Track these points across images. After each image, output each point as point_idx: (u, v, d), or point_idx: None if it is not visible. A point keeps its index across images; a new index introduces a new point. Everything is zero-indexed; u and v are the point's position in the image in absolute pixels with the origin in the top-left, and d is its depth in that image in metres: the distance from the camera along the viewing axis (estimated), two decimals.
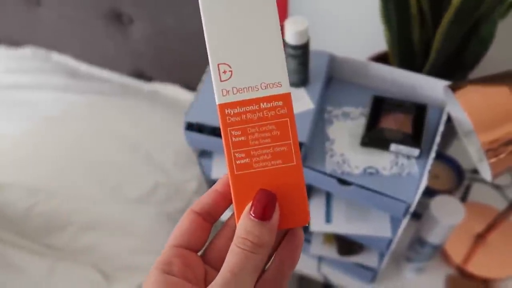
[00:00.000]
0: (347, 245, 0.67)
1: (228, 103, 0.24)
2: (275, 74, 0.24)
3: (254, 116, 0.24)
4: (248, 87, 0.24)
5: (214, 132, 0.55)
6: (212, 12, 0.24)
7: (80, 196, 0.85)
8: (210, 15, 0.24)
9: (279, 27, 0.24)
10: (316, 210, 0.61)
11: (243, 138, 0.24)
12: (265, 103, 0.24)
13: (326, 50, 0.60)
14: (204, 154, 0.64)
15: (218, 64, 0.24)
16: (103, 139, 0.91)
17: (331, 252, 0.69)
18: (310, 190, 0.62)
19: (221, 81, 0.24)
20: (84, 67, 1.08)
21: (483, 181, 0.77)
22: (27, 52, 1.10)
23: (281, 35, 0.24)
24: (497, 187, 0.77)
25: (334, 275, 0.73)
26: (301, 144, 0.52)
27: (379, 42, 0.69)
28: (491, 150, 0.42)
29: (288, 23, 0.51)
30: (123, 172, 0.88)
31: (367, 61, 0.59)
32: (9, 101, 0.99)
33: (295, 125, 0.24)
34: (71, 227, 0.82)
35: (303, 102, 0.55)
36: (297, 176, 0.24)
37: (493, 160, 0.42)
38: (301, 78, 0.55)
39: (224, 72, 0.24)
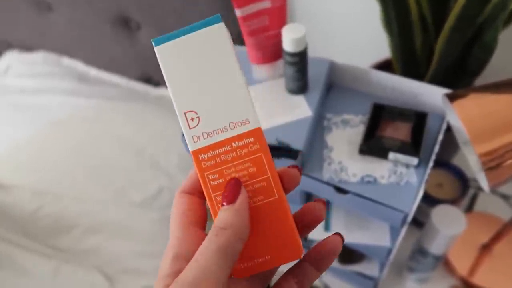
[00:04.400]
0: (347, 254, 0.67)
1: (200, 148, 0.24)
2: (241, 112, 0.24)
3: (228, 156, 0.24)
4: (217, 129, 0.24)
5: None
6: (171, 63, 0.24)
7: (85, 199, 0.86)
8: (170, 66, 0.24)
9: (238, 65, 0.24)
10: None
11: (221, 180, 0.24)
12: (236, 142, 0.24)
13: (326, 57, 0.59)
14: None
15: (185, 113, 0.24)
16: (109, 143, 0.92)
17: None
18: (309, 198, 0.62)
19: (190, 128, 0.24)
20: (93, 72, 1.10)
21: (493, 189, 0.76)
22: (38, 56, 1.12)
23: (242, 74, 0.24)
24: (504, 197, 0.75)
25: (335, 283, 0.72)
26: (298, 152, 0.52)
27: (384, 49, 0.68)
28: (488, 161, 0.41)
29: (285, 31, 0.50)
30: (128, 176, 0.89)
31: (368, 68, 0.58)
32: (20, 105, 1.01)
33: (271, 158, 0.24)
34: (76, 229, 0.84)
35: (301, 109, 0.55)
36: (282, 209, 0.24)
37: (490, 171, 0.41)
38: (299, 85, 0.55)
39: (192, 119, 0.24)
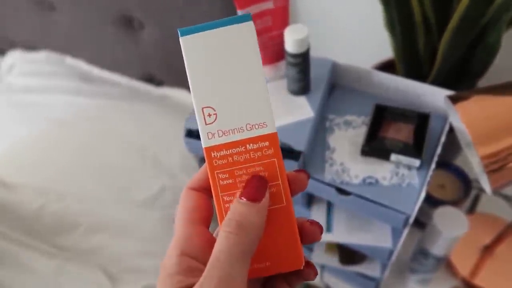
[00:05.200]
0: (349, 255, 0.67)
1: (214, 146, 0.24)
2: (259, 115, 0.24)
3: (241, 158, 0.24)
4: (233, 129, 0.24)
5: None
6: (194, 56, 0.24)
7: (88, 198, 0.86)
8: (193, 58, 0.24)
9: (262, 67, 0.24)
10: (316, 219, 0.61)
11: (230, 181, 0.24)
12: (251, 144, 0.24)
13: (328, 58, 0.59)
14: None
15: (203, 108, 0.24)
16: (112, 143, 0.92)
17: (333, 261, 0.68)
18: (311, 199, 0.62)
19: (206, 124, 0.24)
20: (96, 71, 1.10)
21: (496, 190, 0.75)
22: (41, 56, 1.12)
23: (264, 75, 0.24)
24: (506, 198, 0.75)
25: (336, 284, 0.72)
26: (300, 153, 0.52)
27: (387, 49, 0.68)
28: (491, 164, 0.41)
29: (287, 32, 0.50)
30: (130, 175, 0.89)
31: (370, 69, 0.58)
32: (23, 104, 1.01)
33: (283, 165, 0.24)
34: (79, 228, 0.84)
35: (303, 110, 0.55)
36: (288, 217, 0.24)
37: (492, 173, 0.41)
38: (301, 86, 0.55)
39: (209, 115, 0.24)
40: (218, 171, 0.24)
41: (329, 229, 0.60)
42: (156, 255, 0.82)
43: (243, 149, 0.24)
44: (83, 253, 0.82)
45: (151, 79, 1.07)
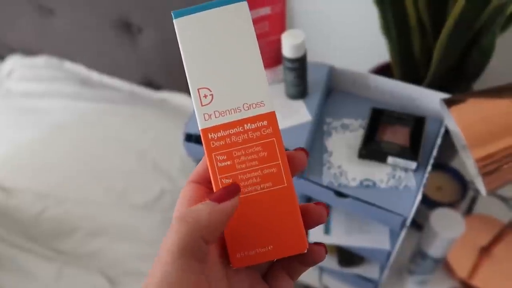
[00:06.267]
0: (348, 257, 0.67)
1: (210, 127, 0.23)
2: (257, 94, 0.23)
3: (239, 138, 0.23)
4: (230, 109, 0.23)
5: None
6: (188, 37, 0.23)
7: (88, 202, 0.87)
8: (187, 40, 0.23)
9: (257, 47, 0.23)
10: None
11: (229, 162, 0.23)
12: (249, 124, 0.23)
13: (326, 62, 0.60)
14: None
15: (198, 89, 0.23)
16: (111, 147, 0.93)
17: (332, 263, 0.69)
18: (309, 202, 0.62)
19: (202, 105, 0.23)
20: (95, 76, 1.11)
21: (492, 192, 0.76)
22: (40, 60, 1.13)
23: (260, 56, 0.23)
24: (503, 199, 0.76)
25: (335, 286, 0.73)
26: None
27: (385, 52, 0.69)
28: (485, 166, 0.41)
29: (285, 37, 0.51)
30: (129, 179, 0.89)
31: (367, 73, 0.59)
32: (22, 109, 1.02)
33: (283, 144, 0.23)
34: (78, 232, 0.84)
35: (301, 114, 0.55)
36: (290, 198, 0.23)
37: (487, 176, 0.41)
38: (299, 90, 0.56)
39: (205, 96, 0.23)
40: (216, 152, 0.23)
41: (327, 232, 0.61)
42: None
43: (241, 130, 0.23)
44: (82, 257, 0.83)
45: (150, 83, 1.07)
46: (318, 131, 0.58)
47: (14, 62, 1.15)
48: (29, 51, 1.16)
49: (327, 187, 0.53)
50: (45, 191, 0.87)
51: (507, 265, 0.70)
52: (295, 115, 0.55)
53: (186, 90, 1.04)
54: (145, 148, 0.93)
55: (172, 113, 1.00)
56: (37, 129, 0.96)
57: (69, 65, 1.12)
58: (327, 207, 0.25)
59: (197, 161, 0.63)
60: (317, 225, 0.24)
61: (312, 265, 0.24)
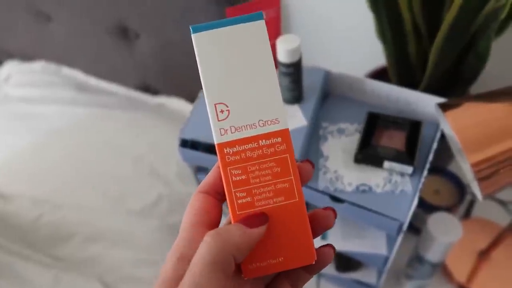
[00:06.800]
0: (345, 262, 0.67)
1: (226, 142, 0.24)
2: (272, 111, 0.24)
3: (254, 154, 0.24)
4: (246, 125, 0.24)
5: (209, 149, 0.55)
6: (206, 52, 0.24)
7: (85, 208, 0.86)
8: (205, 55, 0.24)
9: (273, 65, 0.24)
10: None
11: (243, 177, 0.24)
12: (264, 140, 0.24)
13: (322, 67, 0.60)
14: (201, 169, 0.65)
15: (215, 104, 0.24)
16: (108, 152, 0.93)
17: (330, 268, 0.68)
18: (306, 207, 0.62)
19: (218, 120, 0.24)
20: (92, 81, 1.11)
21: (490, 196, 0.76)
22: (38, 66, 1.13)
23: (276, 74, 0.24)
24: (501, 203, 0.75)
25: None
26: None
27: (381, 57, 0.69)
28: (481, 171, 0.41)
29: (280, 41, 0.51)
30: (126, 184, 0.89)
31: (363, 77, 0.59)
32: (19, 114, 1.02)
33: (295, 160, 0.24)
34: (75, 238, 0.84)
35: (296, 119, 0.55)
36: (301, 212, 0.24)
37: (482, 181, 0.41)
38: (294, 95, 0.56)
39: (222, 111, 0.24)
40: (231, 167, 0.24)
41: (324, 237, 0.60)
42: (152, 264, 0.82)
43: (256, 145, 0.24)
44: (80, 263, 0.82)
45: (147, 88, 1.07)
46: (314, 135, 0.58)
47: (11, 67, 1.15)
48: (27, 57, 1.16)
49: (323, 192, 0.52)
50: (41, 197, 0.87)
51: (506, 269, 0.70)
52: (290, 120, 0.55)
53: (184, 95, 1.04)
54: (142, 153, 0.93)
55: (170, 118, 1.00)
56: (34, 135, 0.96)
57: (66, 70, 1.12)
58: (335, 211, 0.25)
59: (193, 166, 0.63)
60: (325, 230, 0.25)
61: (318, 272, 0.25)
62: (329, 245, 0.25)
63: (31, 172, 0.91)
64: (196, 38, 0.24)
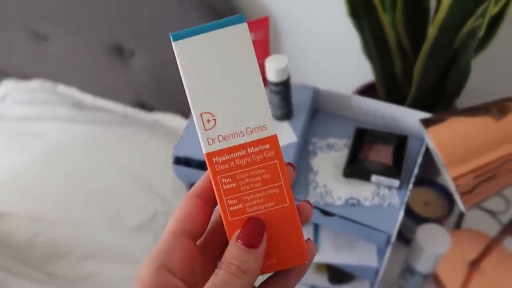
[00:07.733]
0: (338, 274, 0.68)
1: (215, 151, 0.24)
2: (258, 118, 0.24)
3: (243, 161, 0.24)
4: (234, 134, 0.24)
5: (202, 165, 0.57)
6: (189, 61, 0.24)
7: (81, 225, 0.87)
8: (187, 63, 0.24)
9: (259, 70, 0.24)
10: None
11: (234, 184, 0.24)
12: (252, 148, 0.24)
13: (310, 84, 0.62)
14: None
15: (201, 114, 0.24)
16: (104, 168, 0.94)
17: (322, 280, 0.69)
18: None
19: (205, 130, 0.24)
20: (89, 99, 1.12)
21: (477, 207, 0.77)
22: (35, 84, 1.14)
23: (261, 78, 0.24)
24: (491, 213, 0.77)
25: None
26: None
27: (369, 73, 0.71)
28: (463, 185, 0.43)
29: (268, 61, 0.53)
30: (122, 200, 0.90)
31: (351, 94, 0.61)
32: (16, 133, 1.03)
33: (285, 166, 0.24)
34: (72, 255, 0.84)
35: (286, 135, 0.57)
36: (292, 216, 0.24)
37: (464, 194, 0.43)
38: (284, 112, 0.57)
39: (208, 121, 0.24)
40: (221, 176, 0.24)
41: (316, 249, 0.61)
42: None
43: (244, 153, 0.24)
44: (76, 280, 0.83)
45: (142, 105, 1.09)
46: (304, 151, 0.60)
47: (8, 86, 1.17)
48: (23, 76, 1.17)
49: (313, 207, 0.54)
50: (37, 215, 0.88)
51: (496, 279, 0.71)
52: (281, 136, 0.56)
53: (179, 112, 1.05)
54: (138, 170, 0.94)
55: (165, 134, 1.02)
56: (31, 153, 0.97)
57: (63, 88, 1.14)
58: (310, 203, 0.26)
59: (187, 183, 0.64)
60: (306, 222, 0.26)
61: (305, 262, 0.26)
62: (309, 239, 0.26)
63: (27, 190, 0.92)
64: (177, 46, 0.23)
